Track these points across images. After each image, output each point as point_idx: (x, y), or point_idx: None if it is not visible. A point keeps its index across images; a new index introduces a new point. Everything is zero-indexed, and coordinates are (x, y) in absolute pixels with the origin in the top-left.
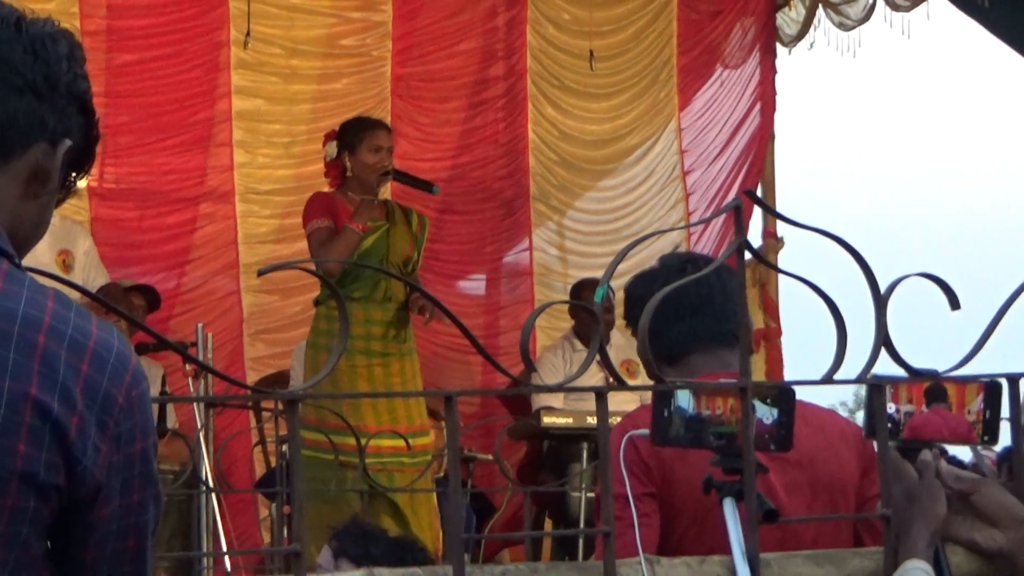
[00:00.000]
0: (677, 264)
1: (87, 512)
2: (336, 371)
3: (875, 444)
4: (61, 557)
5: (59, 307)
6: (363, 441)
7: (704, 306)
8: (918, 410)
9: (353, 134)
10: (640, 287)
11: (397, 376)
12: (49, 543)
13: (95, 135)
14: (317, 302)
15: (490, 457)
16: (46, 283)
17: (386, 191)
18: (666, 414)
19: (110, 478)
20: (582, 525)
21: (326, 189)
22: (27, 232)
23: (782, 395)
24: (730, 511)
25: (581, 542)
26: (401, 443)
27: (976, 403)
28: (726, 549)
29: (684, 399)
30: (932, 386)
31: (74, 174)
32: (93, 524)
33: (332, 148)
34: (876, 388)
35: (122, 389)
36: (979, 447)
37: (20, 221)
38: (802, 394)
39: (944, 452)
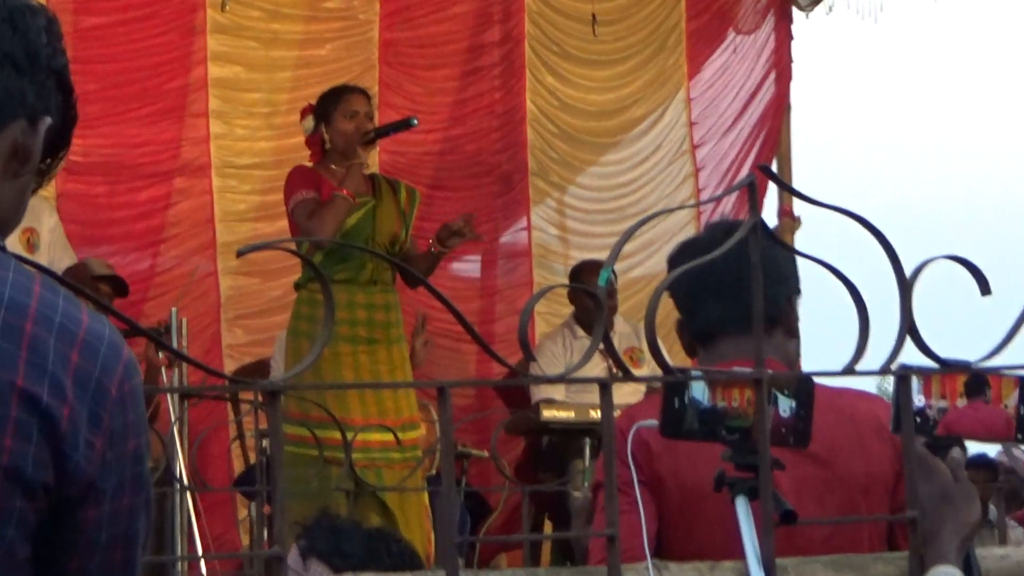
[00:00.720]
0: (714, 237)
1: (76, 512)
2: (319, 360)
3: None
4: (45, 563)
5: (47, 293)
6: (349, 435)
7: (735, 286)
8: (952, 405)
9: (327, 104)
10: (678, 261)
11: (384, 364)
12: (32, 548)
13: (72, 116)
14: (298, 285)
15: (486, 453)
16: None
17: (373, 165)
18: (677, 405)
19: (102, 476)
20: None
21: (307, 163)
22: (7, 214)
23: (800, 387)
24: (743, 511)
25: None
26: (390, 437)
27: (1013, 397)
28: (717, 549)
29: (699, 390)
30: (971, 379)
31: (48, 159)
32: (81, 527)
33: (309, 122)
34: (902, 379)
35: (114, 381)
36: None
37: (0, 202)
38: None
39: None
